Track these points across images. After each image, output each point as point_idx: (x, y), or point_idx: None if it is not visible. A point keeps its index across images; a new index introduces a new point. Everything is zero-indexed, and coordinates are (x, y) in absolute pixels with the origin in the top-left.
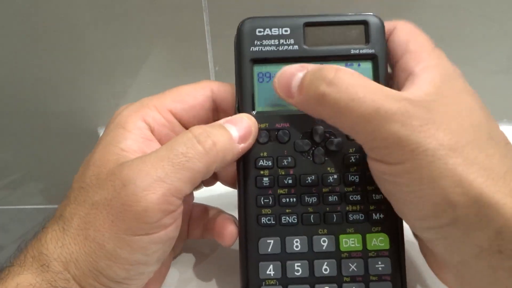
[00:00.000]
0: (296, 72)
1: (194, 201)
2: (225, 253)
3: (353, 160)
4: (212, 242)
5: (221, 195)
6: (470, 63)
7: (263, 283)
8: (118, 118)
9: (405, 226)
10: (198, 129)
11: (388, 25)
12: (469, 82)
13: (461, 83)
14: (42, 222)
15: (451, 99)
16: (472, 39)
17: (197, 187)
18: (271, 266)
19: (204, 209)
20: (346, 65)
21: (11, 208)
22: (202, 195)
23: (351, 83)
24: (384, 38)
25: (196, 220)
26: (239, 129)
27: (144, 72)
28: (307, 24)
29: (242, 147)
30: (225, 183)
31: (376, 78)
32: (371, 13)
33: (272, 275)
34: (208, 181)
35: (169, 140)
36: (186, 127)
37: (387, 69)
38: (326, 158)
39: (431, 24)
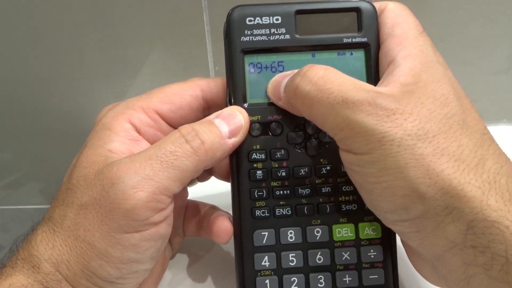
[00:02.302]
0: (285, 76)
1: (189, 198)
2: (219, 254)
3: None
4: (205, 243)
5: (219, 193)
6: (470, 63)
7: (259, 274)
8: (103, 120)
9: None
10: (186, 128)
11: (378, 5)
12: (469, 82)
13: (441, 71)
14: (33, 225)
15: (427, 89)
16: (472, 39)
17: (192, 182)
18: (266, 257)
19: (196, 205)
20: (338, 54)
21: (11, 208)
22: (200, 194)
23: (321, 76)
24: (377, 26)
25: (189, 217)
26: (229, 124)
27: (144, 72)
28: (299, 12)
29: (233, 142)
30: (220, 177)
31: (368, 67)
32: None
33: (267, 266)
34: (203, 176)
35: (157, 140)
36: (174, 127)
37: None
38: (319, 150)
39: (432, 24)
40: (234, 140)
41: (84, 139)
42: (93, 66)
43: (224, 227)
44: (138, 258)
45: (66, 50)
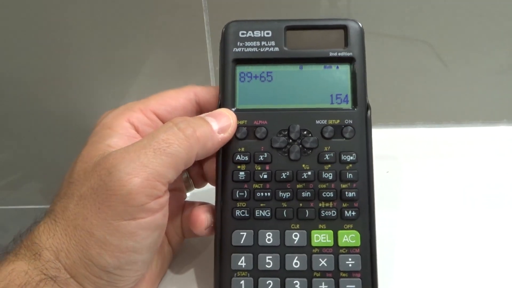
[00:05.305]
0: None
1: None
2: (207, 252)
3: (328, 158)
4: (195, 242)
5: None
6: (470, 63)
7: (235, 274)
8: (104, 121)
9: (377, 223)
10: (179, 119)
11: None
12: (469, 82)
13: None
14: (37, 218)
15: None
16: (472, 39)
17: (189, 187)
18: (243, 258)
19: (191, 204)
20: (324, 67)
21: (11, 208)
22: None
23: None
24: (363, 43)
25: (185, 216)
26: (218, 121)
27: (144, 72)
28: (289, 28)
29: (222, 136)
30: (213, 183)
31: (353, 81)
32: (351, 19)
33: (243, 266)
34: (198, 182)
35: None
36: None
37: (365, 72)
38: (301, 155)
39: (432, 24)
40: (223, 136)
41: (84, 139)
42: (93, 66)
43: (197, 217)
44: (136, 248)
45: (66, 50)
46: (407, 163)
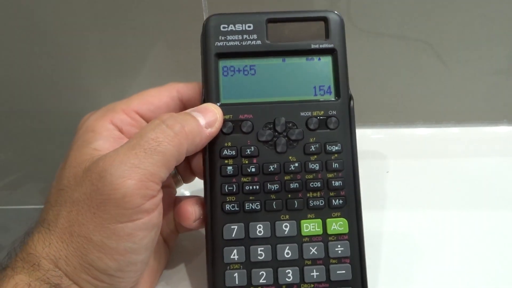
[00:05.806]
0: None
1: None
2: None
3: (313, 149)
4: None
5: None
6: (470, 63)
7: (228, 267)
8: (86, 124)
9: (377, 223)
10: (166, 115)
11: None
12: (469, 82)
13: None
14: (28, 229)
15: None
16: (472, 39)
17: (178, 183)
18: (235, 251)
19: (180, 200)
20: (307, 60)
21: (11, 208)
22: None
23: None
24: (344, 34)
25: (175, 212)
26: (205, 116)
27: (144, 72)
28: (270, 21)
29: (209, 131)
30: (201, 177)
31: (335, 72)
32: (331, 10)
33: (236, 259)
34: (187, 177)
35: None
36: None
37: (346, 63)
38: (287, 148)
39: (432, 24)
40: (211, 131)
41: None
42: (93, 66)
43: (185, 210)
44: (134, 249)
45: (66, 50)
46: (407, 163)
